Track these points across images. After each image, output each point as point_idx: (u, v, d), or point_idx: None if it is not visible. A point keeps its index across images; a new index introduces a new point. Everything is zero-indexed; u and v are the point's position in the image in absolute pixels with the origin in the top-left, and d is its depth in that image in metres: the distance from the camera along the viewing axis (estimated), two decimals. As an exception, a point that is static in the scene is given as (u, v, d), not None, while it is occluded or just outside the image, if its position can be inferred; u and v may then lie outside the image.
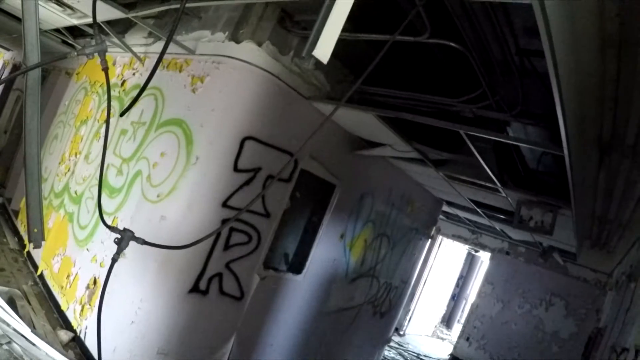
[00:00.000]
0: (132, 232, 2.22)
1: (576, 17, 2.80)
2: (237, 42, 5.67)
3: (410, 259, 10.51)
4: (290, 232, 6.71)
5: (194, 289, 5.61)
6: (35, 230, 2.19)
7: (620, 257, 9.39)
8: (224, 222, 5.54)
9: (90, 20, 6.52)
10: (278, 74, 5.66)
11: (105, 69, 1.95)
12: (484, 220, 11.45)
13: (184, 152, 5.57)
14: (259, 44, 5.56)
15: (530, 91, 4.77)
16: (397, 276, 10.07)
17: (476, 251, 18.06)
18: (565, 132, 3.74)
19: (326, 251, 7.44)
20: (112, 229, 2.23)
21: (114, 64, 8.26)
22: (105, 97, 7.78)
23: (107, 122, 2.55)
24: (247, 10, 5.83)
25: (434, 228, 11.41)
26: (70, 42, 9.40)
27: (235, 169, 5.50)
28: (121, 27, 8.06)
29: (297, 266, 7.05)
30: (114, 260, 1.96)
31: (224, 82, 5.62)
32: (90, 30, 7.61)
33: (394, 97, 5.88)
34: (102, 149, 6.97)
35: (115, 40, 7.16)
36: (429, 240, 11.34)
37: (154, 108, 6.41)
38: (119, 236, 2.59)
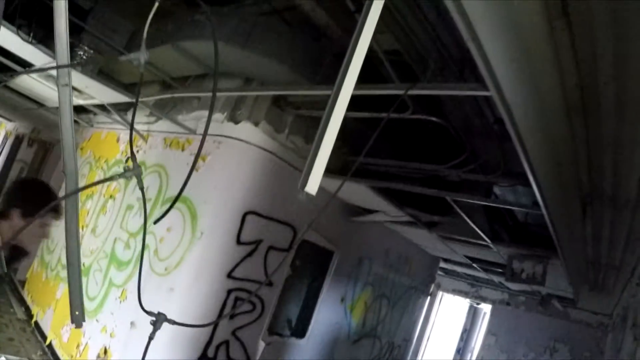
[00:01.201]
0: (165, 315, 2.49)
1: (540, 91, 3.13)
2: (236, 122, 6.04)
3: (411, 317, 10.70)
4: (293, 298, 6.98)
5: (203, 356, 5.86)
6: (77, 312, 2.54)
7: (617, 298, 9.48)
8: (229, 292, 5.85)
9: (96, 101, 6.93)
10: (275, 150, 6.04)
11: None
12: (482, 274, 11.63)
13: (189, 227, 5.89)
14: (256, 124, 5.94)
15: (512, 152, 5.11)
16: (399, 335, 10.24)
17: (477, 304, 18.05)
18: (540, 193, 4.09)
19: (328, 314, 7.69)
20: (149, 313, 2.51)
21: (117, 140, 8.60)
22: (110, 172, 8.10)
23: (144, 205, 2.85)
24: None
25: (433, 285, 11.62)
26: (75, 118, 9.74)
27: (238, 242, 5.83)
28: (123, 106, 8.43)
29: (300, 331, 7.29)
30: (151, 338, 2.21)
31: (224, 160, 5.97)
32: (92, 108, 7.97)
33: (385, 166, 6.24)
34: (112, 224, 7.36)
35: (118, 118, 7.54)
36: (429, 297, 11.54)
37: (158, 185, 6.72)
38: (152, 318, 2.88)
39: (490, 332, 15.45)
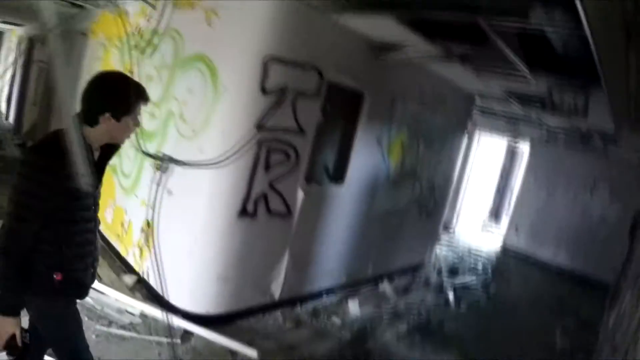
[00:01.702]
0: (169, 155, 2.40)
1: None
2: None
3: (450, 157, 10.55)
4: (327, 144, 6.88)
5: (243, 212, 5.85)
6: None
7: None
8: (261, 143, 5.74)
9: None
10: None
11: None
12: (520, 110, 11.30)
13: (210, 84, 5.69)
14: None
15: None
16: (439, 175, 10.15)
17: (516, 142, 17.86)
18: (584, 13, 3.74)
19: (365, 158, 7.57)
20: (151, 155, 2.43)
21: (126, 14, 8.29)
22: (126, 47, 7.87)
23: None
24: None
25: (470, 123, 11.38)
26: (79, 3, 9.43)
27: (263, 91, 5.60)
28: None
29: (338, 176, 7.23)
30: (157, 184, 2.14)
31: (238, 9, 5.65)
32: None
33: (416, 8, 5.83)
34: None
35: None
36: (466, 136, 11.35)
37: (173, 48, 6.50)
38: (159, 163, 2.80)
39: (529, 170, 15.50)
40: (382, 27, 5.96)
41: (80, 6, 9.56)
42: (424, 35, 6.02)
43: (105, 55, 8.91)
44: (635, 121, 8.79)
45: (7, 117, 16.94)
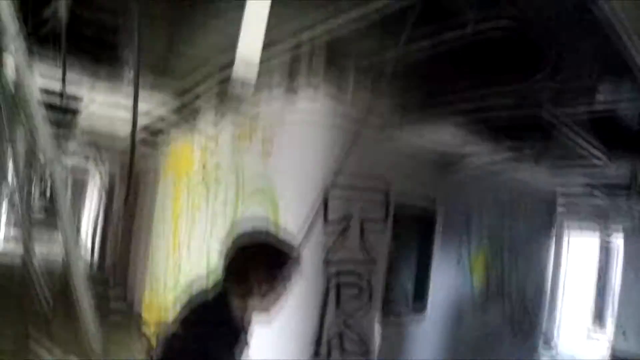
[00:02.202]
0: None
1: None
2: (295, 92, 5.52)
3: (539, 264, 9.83)
4: (403, 271, 6.45)
5: (316, 355, 5.34)
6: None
7: None
8: (329, 279, 5.33)
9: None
10: (342, 113, 5.44)
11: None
12: (607, 201, 10.61)
13: (272, 219, 5.43)
14: (316, 88, 5.38)
15: (605, 45, 4.28)
16: (530, 286, 9.39)
17: (608, 236, 16.87)
18: None
19: (446, 281, 7.04)
20: None
21: (191, 151, 8.34)
22: (192, 183, 7.86)
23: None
24: (294, 60, 5.68)
25: (555, 225, 10.71)
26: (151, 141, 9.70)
27: (326, 221, 5.26)
28: (190, 114, 8.18)
29: (419, 305, 6.67)
30: None
31: (291, 137, 5.46)
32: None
33: (467, 99, 5.50)
34: (203, 236, 7.10)
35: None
36: (553, 238, 10.64)
37: (235, 183, 6.36)
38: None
39: (627, 264, 14.34)
40: (444, 136, 5.65)
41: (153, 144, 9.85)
42: (489, 139, 5.65)
43: (175, 194, 8.95)
44: None
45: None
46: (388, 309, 6.10)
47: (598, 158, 6.17)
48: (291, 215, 5.24)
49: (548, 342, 14.08)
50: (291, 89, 5.61)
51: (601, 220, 14.28)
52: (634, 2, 2.81)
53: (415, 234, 6.56)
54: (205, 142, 7.73)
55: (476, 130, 5.54)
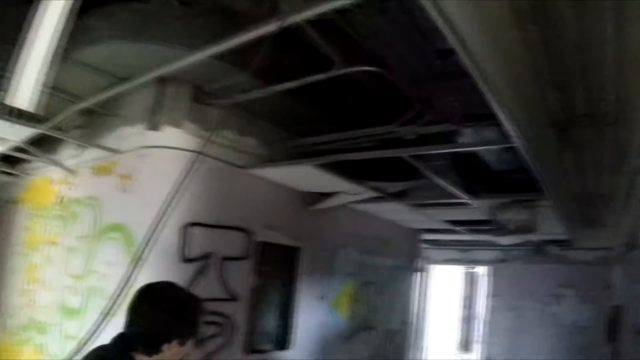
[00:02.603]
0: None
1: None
2: (156, 129, 5.36)
3: (405, 297, 10.10)
4: (268, 309, 6.35)
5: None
6: None
7: (615, 229, 9.06)
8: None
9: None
10: (204, 150, 5.34)
11: None
12: (469, 236, 11.10)
13: (129, 256, 5.20)
14: (178, 126, 5.26)
15: (467, 91, 4.46)
16: (396, 319, 9.62)
17: (472, 268, 17.63)
18: (511, 123, 3.51)
19: (310, 317, 7.04)
20: None
21: (51, 183, 7.93)
22: (49, 217, 7.45)
23: None
24: (159, 95, 5.54)
25: (419, 259, 11.04)
26: (10, 171, 9.16)
27: (185, 259, 5.11)
28: (51, 145, 7.81)
29: (284, 342, 6.62)
30: None
31: (151, 174, 5.27)
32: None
33: (333, 142, 5.58)
34: (57, 272, 6.73)
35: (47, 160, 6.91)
36: (419, 273, 10.95)
37: (93, 218, 6.06)
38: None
39: (492, 293, 15.15)
40: (306, 176, 5.66)
41: (13, 174, 9.31)
42: (351, 179, 5.73)
43: (32, 225, 8.45)
44: (586, 220, 8.59)
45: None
46: (252, 346, 6.01)
47: (460, 198, 6.39)
48: (147, 253, 5.06)
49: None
50: (154, 125, 5.45)
51: (465, 253, 15.19)
52: (494, 50, 2.91)
53: (279, 271, 6.51)
54: (64, 175, 7.37)
55: (339, 171, 5.57)
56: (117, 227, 5.50)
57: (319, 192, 6.56)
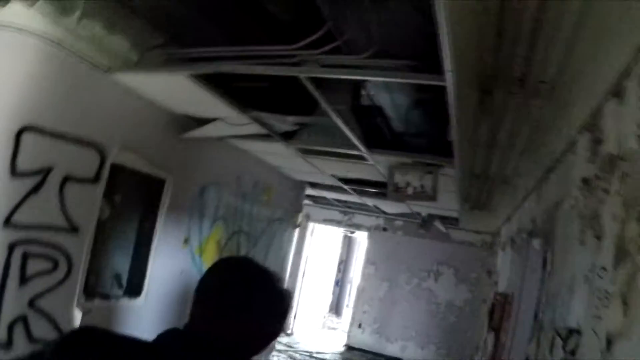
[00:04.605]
0: None
1: None
2: (3, 5, 4.21)
3: (279, 253, 9.36)
4: (117, 247, 5.34)
5: (-9, 342, 4.10)
6: None
7: (507, 213, 8.85)
8: (12, 247, 4.10)
9: None
10: (60, 40, 4.22)
11: None
12: (355, 198, 10.58)
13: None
14: (31, 4, 4.12)
15: (394, 24, 3.66)
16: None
17: (352, 232, 17.40)
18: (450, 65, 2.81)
19: (169, 263, 6.12)
20: None
21: None
22: None
23: None
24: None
25: (300, 215, 10.36)
26: None
27: (14, 172, 4.02)
28: None
29: (134, 287, 5.64)
30: None
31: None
32: None
33: (217, 58, 4.60)
34: None
35: None
36: (297, 229, 10.27)
37: None
38: None
39: (368, 261, 15.00)
40: (180, 90, 4.70)
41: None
42: (232, 102, 4.84)
43: None
44: (475, 202, 8.31)
45: None
46: (92, 291, 5.02)
47: (356, 150, 5.71)
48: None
49: (285, 329, 14.04)
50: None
51: (347, 216, 14.97)
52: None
53: (135, 204, 5.53)
54: None
55: (220, 92, 4.67)
56: None
57: (194, 118, 5.61)
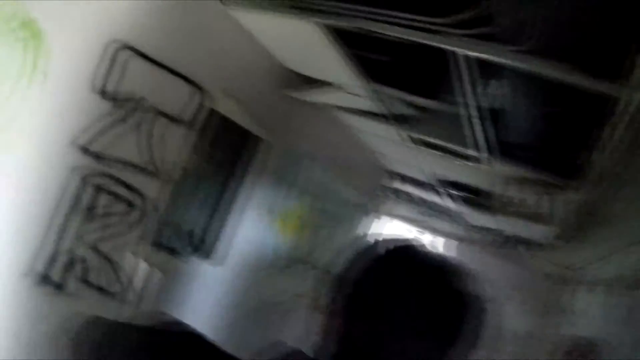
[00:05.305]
0: None
1: None
2: None
3: (355, 241, 8.81)
4: (196, 200, 4.92)
5: (44, 279, 3.64)
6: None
7: (602, 253, 8.01)
8: (85, 178, 3.64)
9: None
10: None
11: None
12: (440, 200, 9.86)
13: (30, 64, 3.58)
14: None
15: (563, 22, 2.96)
16: (334, 262, 8.34)
17: (421, 234, 16.72)
18: None
19: (247, 231, 5.65)
20: None
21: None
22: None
23: None
24: None
25: (380, 203, 9.80)
26: None
27: (103, 93, 3.53)
28: None
29: (206, 248, 5.19)
30: None
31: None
32: None
33: (350, 11, 4.01)
34: None
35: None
36: (373, 218, 9.73)
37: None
38: None
39: None
40: (302, 41, 4.14)
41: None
42: (357, 66, 4.24)
43: None
44: (566, 230, 7.50)
45: None
46: (162, 243, 4.58)
47: (478, 152, 5.07)
48: (56, 67, 3.45)
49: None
50: None
51: (425, 217, 13.82)
52: None
53: (225, 159, 5.06)
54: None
55: (352, 56, 4.09)
56: (26, 23, 3.88)
57: (304, 78, 5.07)
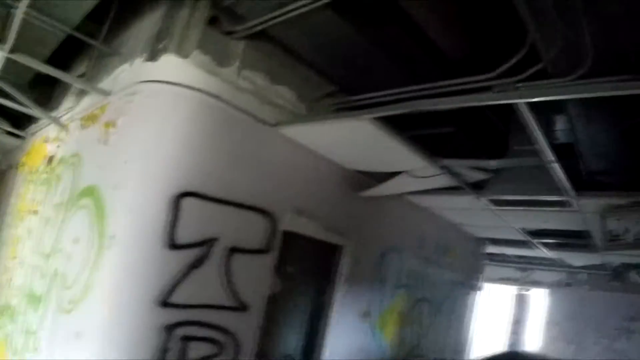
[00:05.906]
0: None
1: None
2: (154, 59, 3.80)
3: (462, 321, 8.41)
4: (290, 324, 4.79)
5: None
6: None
7: None
8: (170, 329, 3.55)
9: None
10: (219, 93, 3.77)
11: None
12: (537, 253, 9.53)
13: (97, 230, 3.62)
14: (184, 55, 3.68)
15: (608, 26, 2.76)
16: (449, 347, 7.97)
17: (527, 290, 15.91)
18: None
19: (347, 340, 5.46)
20: None
21: (45, 142, 6.59)
22: (37, 181, 6.10)
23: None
24: (169, 20, 3.97)
25: (481, 276, 9.38)
26: (15, 132, 8.24)
27: (173, 245, 3.49)
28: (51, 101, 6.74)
29: (309, 366, 5.01)
30: None
31: (140, 119, 3.73)
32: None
33: (397, 100, 3.88)
34: (32, 248, 5.35)
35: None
36: (479, 292, 9.28)
37: (71, 180, 4.58)
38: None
39: (550, 321, 13.49)
40: (360, 142, 4.06)
41: (18, 136, 8.41)
42: (420, 149, 4.10)
43: (24, 190, 7.17)
44: None
45: None
46: (260, 375, 4.39)
47: (559, 193, 4.85)
48: (121, 227, 3.46)
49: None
50: (152, 54, 3.90)
51: (525, 273, 13.58)
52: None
53: (309, 274, 4.98)
54: (57, 131, 5.95)
55: (410, 141, 3.97)
56: (89, 191, 3.97)
57: (371, 174, 4.94)
